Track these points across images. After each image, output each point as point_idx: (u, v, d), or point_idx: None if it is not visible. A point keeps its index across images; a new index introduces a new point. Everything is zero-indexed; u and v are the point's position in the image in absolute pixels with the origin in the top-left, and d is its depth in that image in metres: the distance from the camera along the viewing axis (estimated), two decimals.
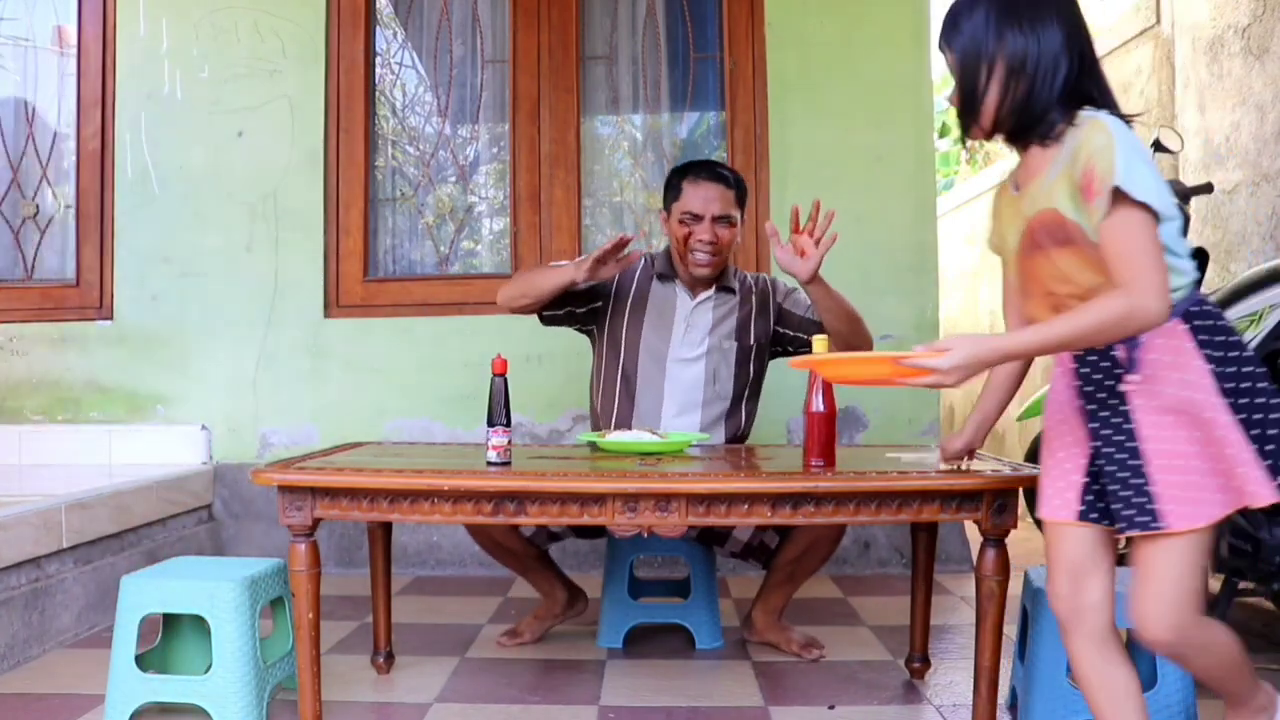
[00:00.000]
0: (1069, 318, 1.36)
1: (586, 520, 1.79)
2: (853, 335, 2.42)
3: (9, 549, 2.36)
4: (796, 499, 1.75)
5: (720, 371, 2.51)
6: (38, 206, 3.78)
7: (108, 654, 1.92)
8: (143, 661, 1.92)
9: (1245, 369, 1.37)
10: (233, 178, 3.60)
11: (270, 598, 2.00)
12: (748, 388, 2.57)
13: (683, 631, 2.51)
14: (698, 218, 2.44)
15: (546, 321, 2.61)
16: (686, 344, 2.52)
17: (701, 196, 2.45)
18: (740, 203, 2.50)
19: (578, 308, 2.56)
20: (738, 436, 2.57)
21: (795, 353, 2.55)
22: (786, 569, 2.46)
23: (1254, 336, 2.27)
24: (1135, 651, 1.93)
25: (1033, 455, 3.25)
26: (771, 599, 2.49)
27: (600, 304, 2.58)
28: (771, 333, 2.57)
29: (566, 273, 2.39)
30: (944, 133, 7.36)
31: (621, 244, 2.32)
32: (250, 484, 3.49)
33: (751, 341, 2.55)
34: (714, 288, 2.55)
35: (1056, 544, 1.50)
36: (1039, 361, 5.02)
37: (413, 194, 3.76)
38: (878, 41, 3.50)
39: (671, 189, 2.52)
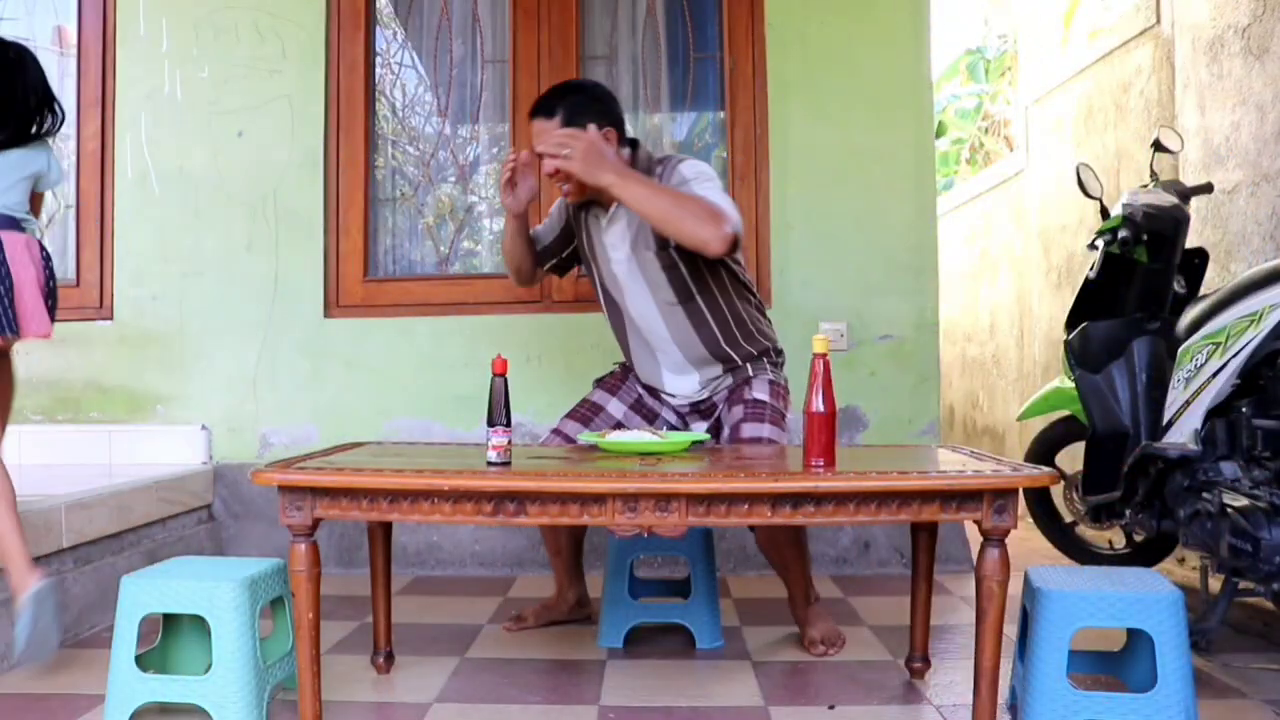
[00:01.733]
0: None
1: (586, 520, 1.79)
2: (671, 220, 2.24)
3: None
4: (796, 499, 1.75)
5: (657, 280, 2.44)
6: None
7: (108, 654, 1.92)
8: (143, 661, 1.92)
9: None
10: (233, 178, 3.60)
11: (270, 598, 2.00)
12: (701, 288, 2.44)
13: (683, 631, 2.51)
14: (542, 157, 2.36)
15: (562, 272, 2.75)
16: (618, 265, 2.48)
17: (535, 135, 2.39)
18: (572, 119, 2.35)
19: (564, 254, 2.67)
20: (729, 360, 2.51)
21: None
22: (774, 561, 2.50)
23: (1254, 336, 2.27)
24: (1135, 651, 1.93)
25: (1033, 455, 3.25)
26: (789, 591, 2.53)
27: (573, 245, 2.66)
28: None
29: (509, 221, 2.54)
30: (942, 132, 7.37)
31: (512, 161, 2.42)
32: (250, 484, 3.49)
33: (669, 243, 2.39)
34: (613, 204, 2.41)
35: None
36: (1039, 361, 5.05)
37: (413, 194, 3.76)
38: (878, 41, 3.50)
39: None
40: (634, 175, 2.28)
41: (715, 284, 2.48)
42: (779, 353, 2.62)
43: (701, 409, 2.60)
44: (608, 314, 2.64)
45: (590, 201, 2.48)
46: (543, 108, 2.40)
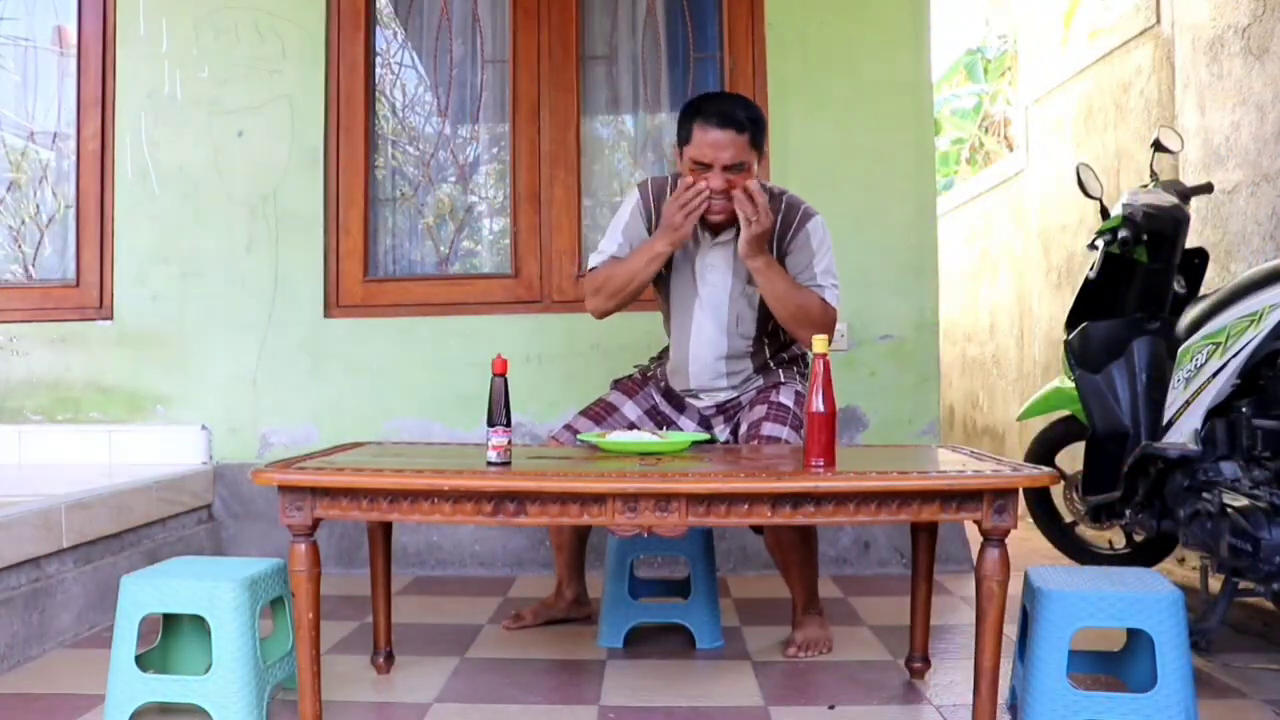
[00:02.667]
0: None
1: (586, 520, 1.79)
2: (793, 320, 2.40)
3: (9, 549, 2.36)
4: (796, 499, 1.75)
5: (744, 315, 2.51)
6: (38, 206, 3.78)
7: (108, 654, 1.92)
8: (143, 661, 1.92)
9: None
10: (233, 178, 3.60)
11: (270, 598, 2.00)
12: (770, 325, 2.52)
13: (683, 631, 2.51)
14: (708, 166, 2.32)
15: None
16: (709, 288, 2.50)
17: (710, 143, 2.31)
18: (755, 143, 2.35)
19: None
20: (765, 365, 2.58)
21: None
22: (780, 563, 2.50)
23: (1254, 336, 2.27)
24: (1135, 651, 1.93)
25: (1033, 455, 3.25)
26: (792, 595, 2.53)
27: None
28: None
29: (659, 252, 2.40)
30: (941, 131, 7.37)
31: (706, 190, 2.31)
32: (250, 484, 3.49)
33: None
34: (735, 230, 2.41)
35: None
36: (1039, 361, 5.04)
37: (413, 194, 3.76)
38: (878, 41, 3.50)
39: (683, 129, 2.38)
40: (777, 267, 2.40)
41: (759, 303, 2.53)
42: (808, 364, 2.62)
43: (727, 409, 2.60)
44: (665, 311, 2.65)
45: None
46: (733, 120, 2.32)
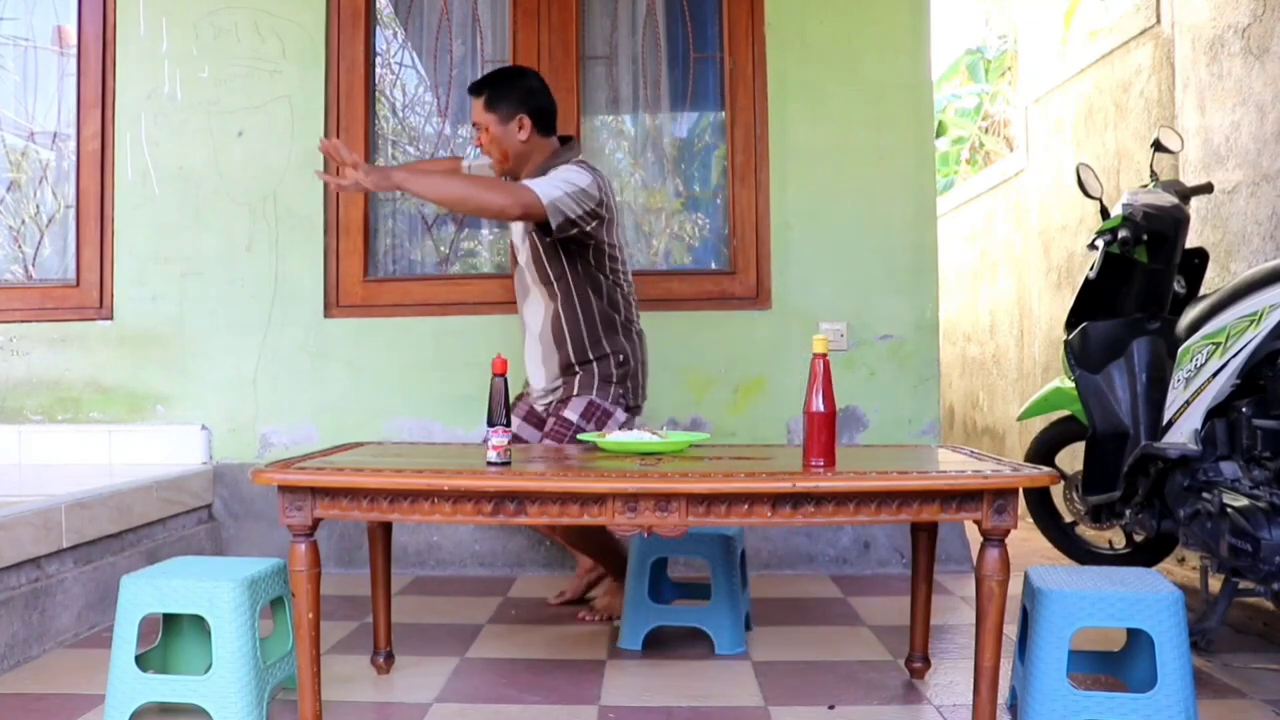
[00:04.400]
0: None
1: (586, 520, 1.79)
2: (462, 203, 2.56)
3: (9, 549, 2.36)
4: (796, 499, 1.75)
5: (534, 285, 2.68)
6: (38, 206, 3.78)
7: (108, 654, 1.92)
8: (143, 661, 1.92)
9: None
10: (233, 178, 3.60)
11: (270, 598, 2.00)
12: (550, 275, 2.64)
13: (705, 636, 2.46)
14: (476, 126, 2.68)
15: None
16: (522, 266, 2.72)
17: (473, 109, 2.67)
18: (491, 105, 2.62)
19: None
20: (569, 366, 2.66)
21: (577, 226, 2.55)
22: (585, 553, 2.78)
23: (1254, 336, 2.27)
24: (1135, 651, 1.93)
25: (1033, 455, 3.25)
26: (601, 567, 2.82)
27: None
28: None
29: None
30: (942, 132, 7.37)
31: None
32: (250, 484, 3.49)
33: (545, 234, 2.59)
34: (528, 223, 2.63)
35: None
36: (1039, 361, 5.04)
37: None
38: (878, 41, 3.50)
39: None
40: (423, 175, 2.55)
41: (573, 276, 2.62)
42: (621, 363, 2.65)
43: (541, 418, 2.74)
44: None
45: None
46: (474, 88, 2.68)
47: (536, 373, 2.74)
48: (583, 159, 2.69)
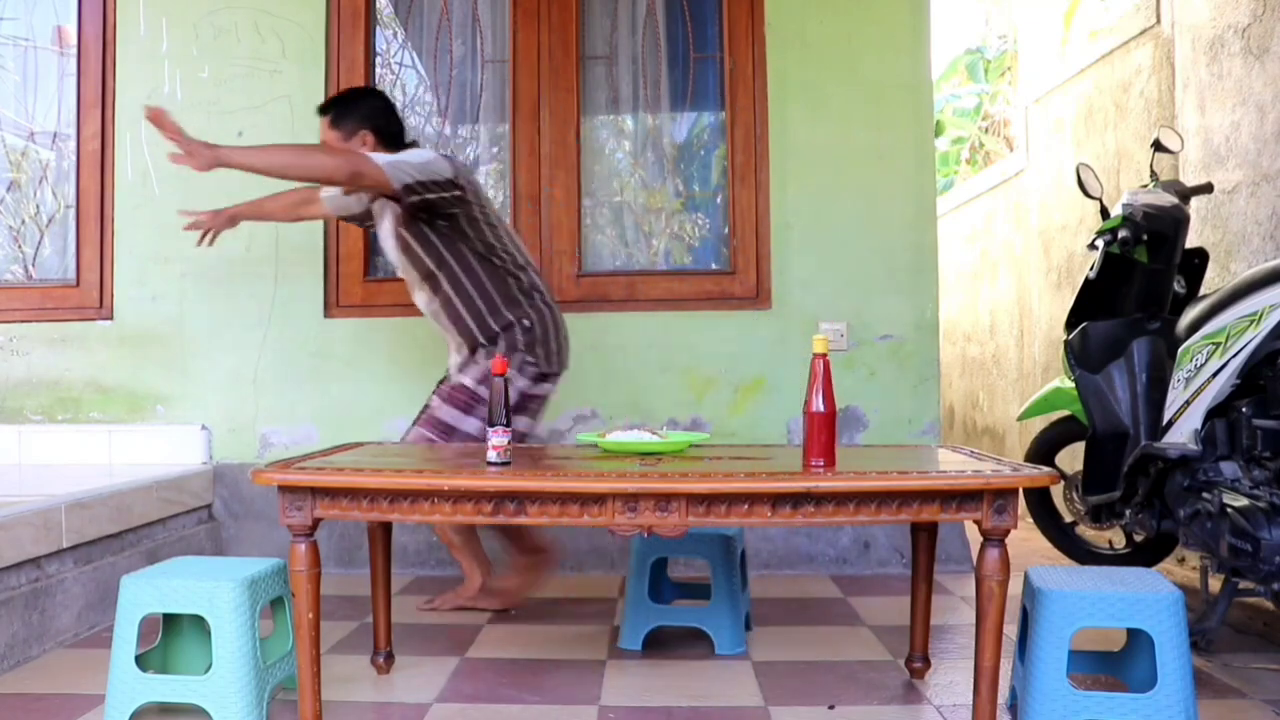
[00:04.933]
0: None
1: (586, 521, 1.79)
2: (295, 170, 2.52)
3: (9, 549, 2.36)
4: (796, 499, 1.75)
5: (407, 269, 2.72)
6: (38, 206, 3.78)
7: (108, 654, 1.92)
8: (143, 661, 1.92)
9: None
10: (232, 178, 3.58)
11: (270, 598, 2.00)
12: (439, 263, 2.66)
13: (705, 636, 2.46)
14: None
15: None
16: (391, 257, 2.82)
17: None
18: (335, 124, 2.72)
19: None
20: (470, 335, 2.68)
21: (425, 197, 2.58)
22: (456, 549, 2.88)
23: (1254, 336, 2.27)
24: (1135, 651, 1.93)
25: (1033, 455, 3.25)
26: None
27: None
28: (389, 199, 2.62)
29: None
30: (941, 131, 7.37)
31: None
32: (250, 484, 3.49)
33: (403, 224, 2.66)
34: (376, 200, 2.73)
35: None
36: (1039, 361, 5.04)
37: None
38: (878, 41, 3.50)
39: None
40: (252, 149, 2.62)
41: (454, 258, 2.64)
42: (527, 329, 2.67)
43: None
44: None
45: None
46: (321, 107, 2.80)
47: (454, 358, 2.78)
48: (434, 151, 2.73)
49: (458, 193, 2.59)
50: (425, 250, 2.66)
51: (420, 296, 2.76)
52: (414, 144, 2.79)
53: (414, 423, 2.72)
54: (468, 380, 2.64)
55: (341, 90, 2.85)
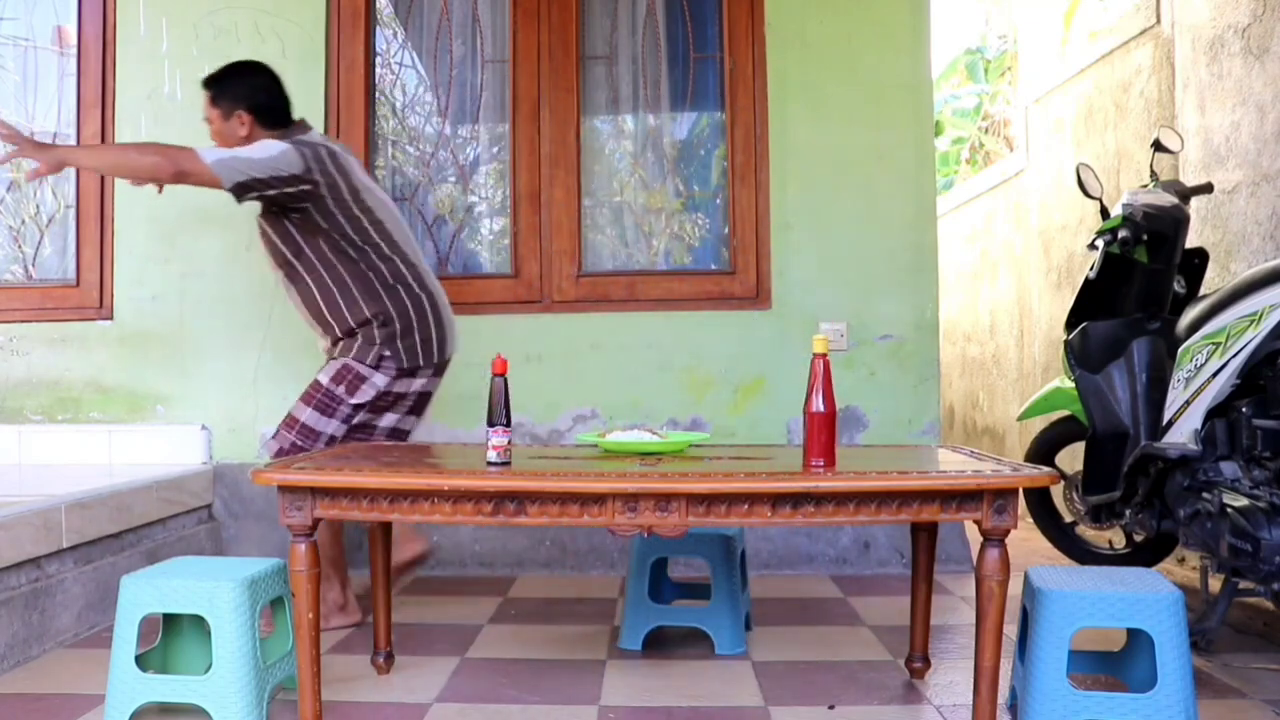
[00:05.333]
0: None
1: (586, 521, 1.79)
2: (129, 170, 2.56)
3: (9, 549, 2.36)
4: (796, 499, 1.75)
5: (271, 258, 2.71)
6: (38, 206, 3.78)
7: (108, 654, 1.92)
8: (143, 661, 1.92)
9: None
10: None
11: (270, 598, 2.00)
12: (297, 254, 2.65)
13: (705, 636, 2.46)
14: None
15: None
16: (267, 253, 2.75)
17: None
18: (215, 101, 2.69)
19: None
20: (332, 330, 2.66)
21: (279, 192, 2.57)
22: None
23: (1254, 336, 2.27)
24: (1135, 651, 1.93)
25: (1033, 455, 3.25)
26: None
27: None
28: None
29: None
30: (941, 131, 7.37)
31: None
32: (250, 484, 3.48)
33: (261, 214, 2.66)
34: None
35: None
36: (1039, 361, 5.04)
37: (413, 194, 3.76)
38: (878, 41, 3.50)
39: None
40: (87, 148, 2.61)
41: (311, 250, 2.62)
42: (384, 324, 2.63)
43: None
44: None
45: None
46: (204, 82, 2.75)
47: (321, 342, 2.77)
48: (302, 138, 2.64)
49: (306, 187, 2.54)
50: (282, 241, 2.64)
51: (286, 291, 2.74)
52: (300, 123, 2.73)
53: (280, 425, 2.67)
54: (323, 378, 2.61)
55: (225, 65, 2.79)
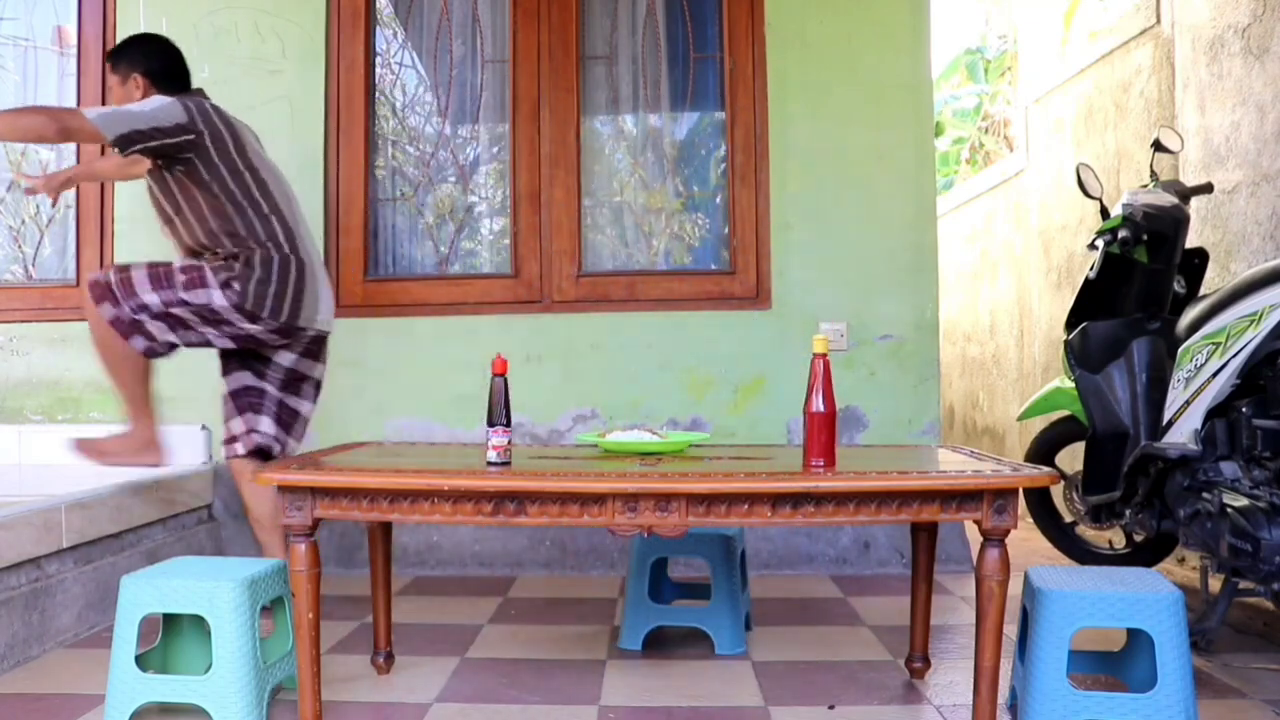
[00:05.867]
0: None
1: (586, 521, 1.79)
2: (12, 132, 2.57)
3: (9, 549, 2.36)
4: (796, 499, 1.75)
5: (164, 220, 2.78)
6: (38, 206, 3.78)
7: (108, 654, 1.92)
8: (143, 661, 1.92)
9: None
10: None
11: (270, 598, 2.00)
12: (168, 211, 2.72)
13: (706, 636, 2.46)
14: None
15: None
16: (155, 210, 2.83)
17: None
18: (114, 68, 2.79)
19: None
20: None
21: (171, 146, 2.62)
22: None
23: (1254, 336, 2.27)
24: (1135, 651, 1.93)
25: (1033, 455, 3.25)
26: None
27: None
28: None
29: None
30: (941, 131, 7.37)
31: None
32: None
33: (149, 169, 2.71)
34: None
35: None
36: (1039, 361, 5.04)
37: (413, 194, 3.76)
38: (878, 41, 3.50)
39: None
40: None
41: (189, 205, 2.69)
42: (246, 264, 2.65)
43: None
44: None
45: None
46: (106, 55, 2.84)
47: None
48: (188, 97, 2.70)
49: (189, 136, 2.60)
50: (164, 196, 2.70)
51: (173, 244, 2.78)
52: (198, 91, 2.80)
53: None
54: (176, 262, 2.66)
55: (127, 36, 2.90)
